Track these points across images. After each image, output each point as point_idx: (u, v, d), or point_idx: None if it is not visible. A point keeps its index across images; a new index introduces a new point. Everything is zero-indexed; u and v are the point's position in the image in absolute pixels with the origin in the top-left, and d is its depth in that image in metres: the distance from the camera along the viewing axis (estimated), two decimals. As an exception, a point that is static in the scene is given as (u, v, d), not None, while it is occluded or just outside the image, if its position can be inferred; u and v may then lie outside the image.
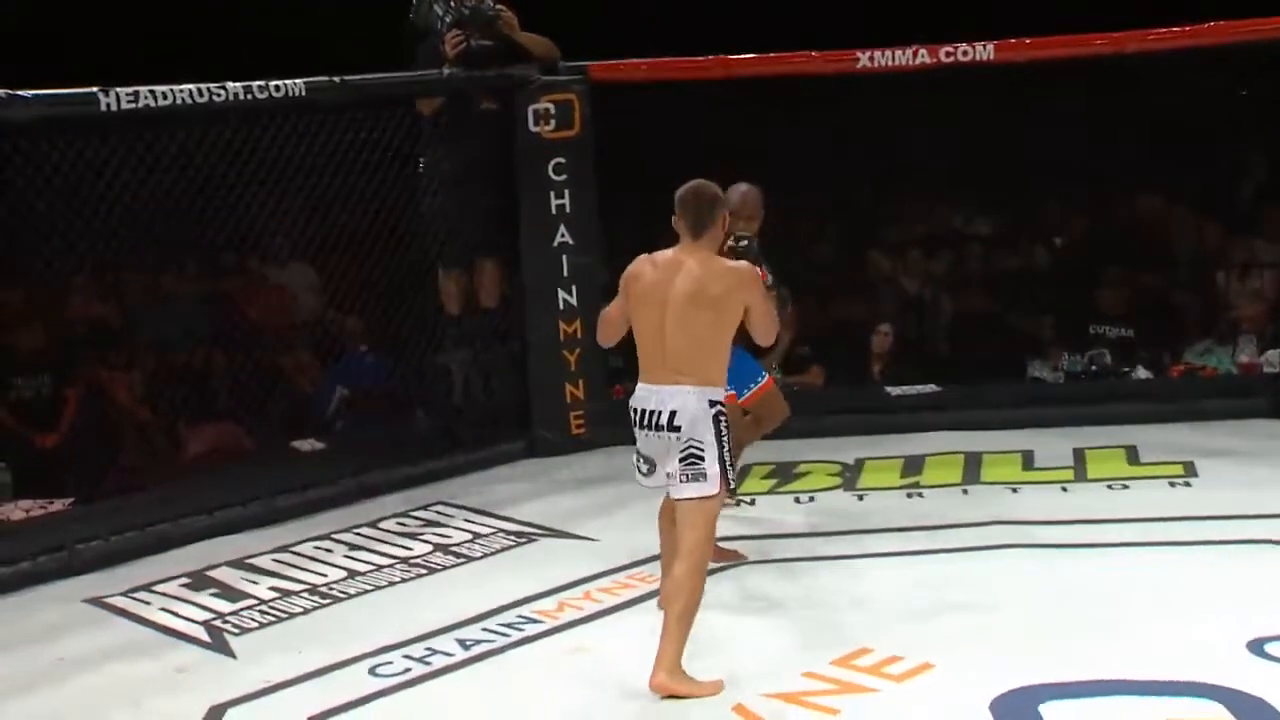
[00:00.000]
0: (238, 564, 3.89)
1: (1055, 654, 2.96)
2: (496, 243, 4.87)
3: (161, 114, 3.97)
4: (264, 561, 3.91)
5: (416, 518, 4.26)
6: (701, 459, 2.91)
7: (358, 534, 4.12)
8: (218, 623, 3.48)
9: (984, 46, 4.72)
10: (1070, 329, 5.63)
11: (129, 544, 3.99)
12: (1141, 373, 5.34)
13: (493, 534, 4.06)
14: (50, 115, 3.82)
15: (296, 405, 5.12)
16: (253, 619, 3.50)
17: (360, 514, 4.30)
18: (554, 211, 4.83)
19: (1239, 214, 6.01)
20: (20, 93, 3.73)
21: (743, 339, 3.14)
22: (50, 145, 4.06)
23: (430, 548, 3.97)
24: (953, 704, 2.77)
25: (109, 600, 3.66)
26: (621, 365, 5.01)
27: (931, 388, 5.10)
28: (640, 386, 3.00)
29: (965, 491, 4.23)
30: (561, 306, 4.86)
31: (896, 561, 3.65)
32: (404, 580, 3.73)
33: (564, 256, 4.86)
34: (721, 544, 3.62)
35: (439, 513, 4.30)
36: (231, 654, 3.30)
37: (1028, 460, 4.51)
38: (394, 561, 3.86)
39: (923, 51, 4.74)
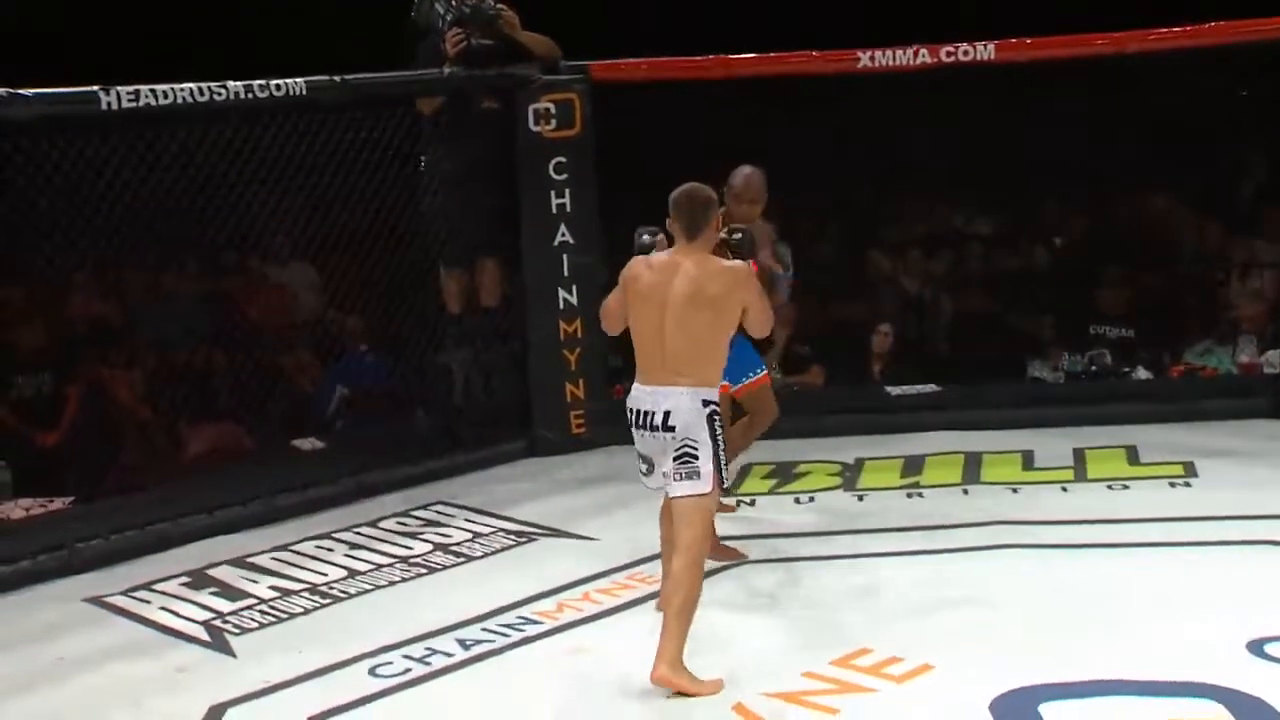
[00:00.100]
0: (238, 563, 3.89)
1: (1055, 654, 2.96)
2: (497, 242, 4.87)
3: (162, 113, 3.97)
4: (264, 561, 3.91)
5: (417, 517, 4.26)
6: (696, 458, 2.95)
7: (358, 533, 4.12)
8: (218, 622, 3.48)
9: (984, 46, 4.72)
10: (1070, 329, 5.63)
11: (129, 543, 3.99)
12: (1142, 373, 5.34)
13: (493, 534, 4.06)
14: (51, 114, 3.82)
15: (297, 404, 5.12)
16: (253, 618, 3.50)
17: (360, 513, 4.29)
18: (554, 211, 4.83)
19: (1239, 214, 6.01)
20: (21, 91, 3.73)
21: (742, 329, 3.17)
22: (51, 144, 4.05)
23: (430, 547, 3.97)
24: (952, 704, 2.77)
25: (109, 599, 3.66)
26: (621, 365, 5.00)
27: (932, 388, 5.10)
28: (636, 387, 3.04)
29: (965, 491, 4.23)
30: (562, 306, 4.86)
31: (896, 561, 3.65)
32: (404, 580, 3.73)
33: (565, 256, 4.86)
34: (725, 543, 3.63)
35: (439, 512, 4.30)
36: (231, 653, 3.30)
37: (1028, 460, 4.51)
38: (394, 561, 3.87)
39: (923, 51, 4.74)
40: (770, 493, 4.32)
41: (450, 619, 3.36)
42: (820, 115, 5.02)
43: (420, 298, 4.87)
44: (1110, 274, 5.72)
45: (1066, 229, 6.22)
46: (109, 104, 3.84)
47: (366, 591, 3.65)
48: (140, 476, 4.58)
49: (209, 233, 4.94)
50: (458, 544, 3.99)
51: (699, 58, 4.91)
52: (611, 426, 4.80)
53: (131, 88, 3.87)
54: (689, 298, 2.97)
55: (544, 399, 4.90)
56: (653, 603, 3.33)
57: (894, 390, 5.13)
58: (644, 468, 3.05)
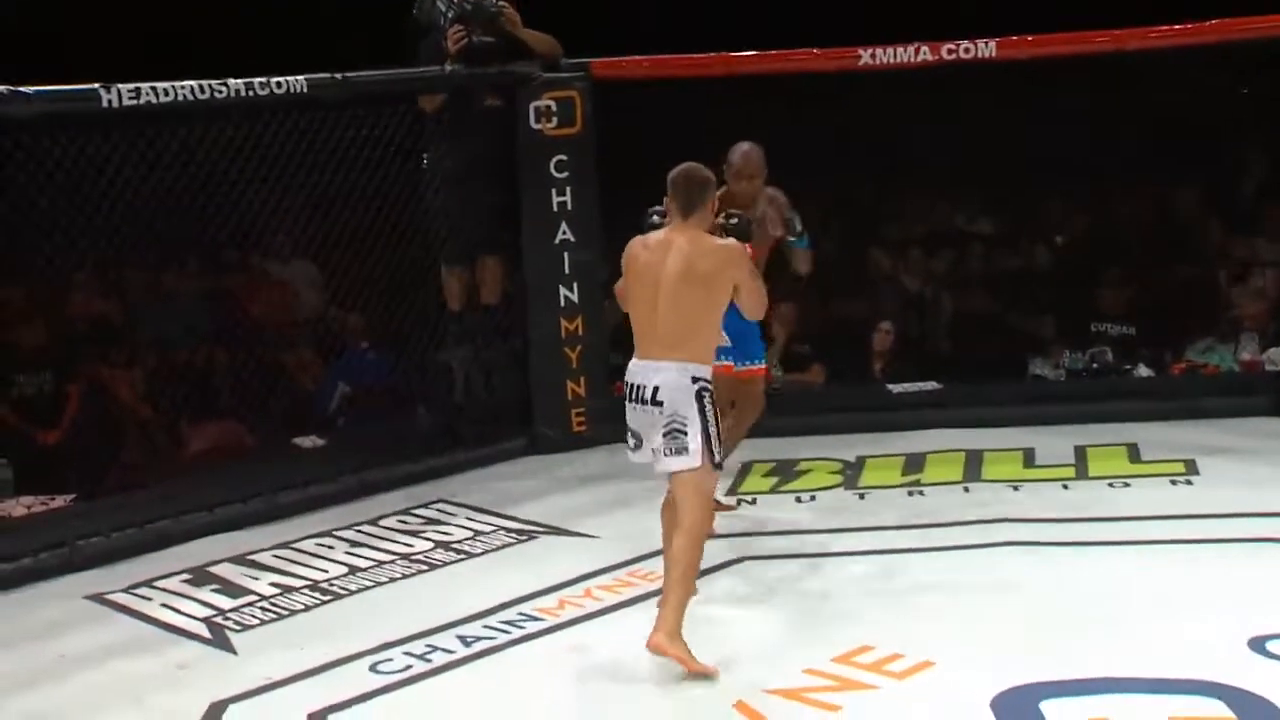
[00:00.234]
0: (239, 560, 3.89)
1: (1056, 652, 2.96)
2: (498, 239, 4.86)
3: (163, 110, 3.96)
4: (265, 558, 3.91)
5: (418, 515, 4.26)
6: (684, 433, 3.00)
7: (359, 531, 4.12)
8: (219, 619, 3.48)
9: (986, 44, 4.71)
10: (1071, 327, 5.62)
11: (130, 540, 3.98)
12: (1143, 370, 5.34)
13: (494, 531, 4.06)
14: (52, 111, 3.82)
15: (298, 402, 5.12)
16: (254, 615, 3.50)
17: (361, 511, 4.29)
18: (555, 209, 4.83)
19: (1240, 212, 6.00)
20: (21, 89, 3.72)
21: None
22: (52, 142, 4.05)
23: (431, 545, 3.97)
24: (954, 701, 2.77)
25: (110, 597, 3.66)
26: (622, 362, 5.00)
27: (933, 385, 5.10)
28: (633, 361, 3.12)
29: (966, 489, 4.22)
30: (563, 303, 4.86)
31: (897, 559, 3.64)
32: (405, 577, 3.73)
33: (565, 253, 4.85)
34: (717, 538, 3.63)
35: (440, 510, 4.30)
36: (233, 650, 3.30)
37: (1029, 458, 4.50)
38: (395, 558, 3.86)
39: (924, 49, 4.73)
40: (771, 491, 4.31)
41: (451, 616, 3.35)
42: (821, 113, 5.02)
43: (421, 295, 4.87)
44: (1111, 272, 5.72)
45: (1069, 226, 6.21)
46: (110, 101, 3.83)
47: (367, 589, 3.65)
48: (141, 474, 4.58)
49: (210, 230, 4.94)
50: (459, 541, 3.99)
51: (700, 55, 4.90)
52: (613, 424, 4.75)
53: (132, 85, 3.87)
54: (681, 274, 3.03)
55: (545, 396, 4.90)
56: (655, 600, 3.32)
57: (895, 388, 5.13)
58: (632, 442, 3.11)
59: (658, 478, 3.28)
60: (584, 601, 3.43)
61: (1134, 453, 4.48)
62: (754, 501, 4.21)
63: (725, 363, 3.86)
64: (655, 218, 3.26)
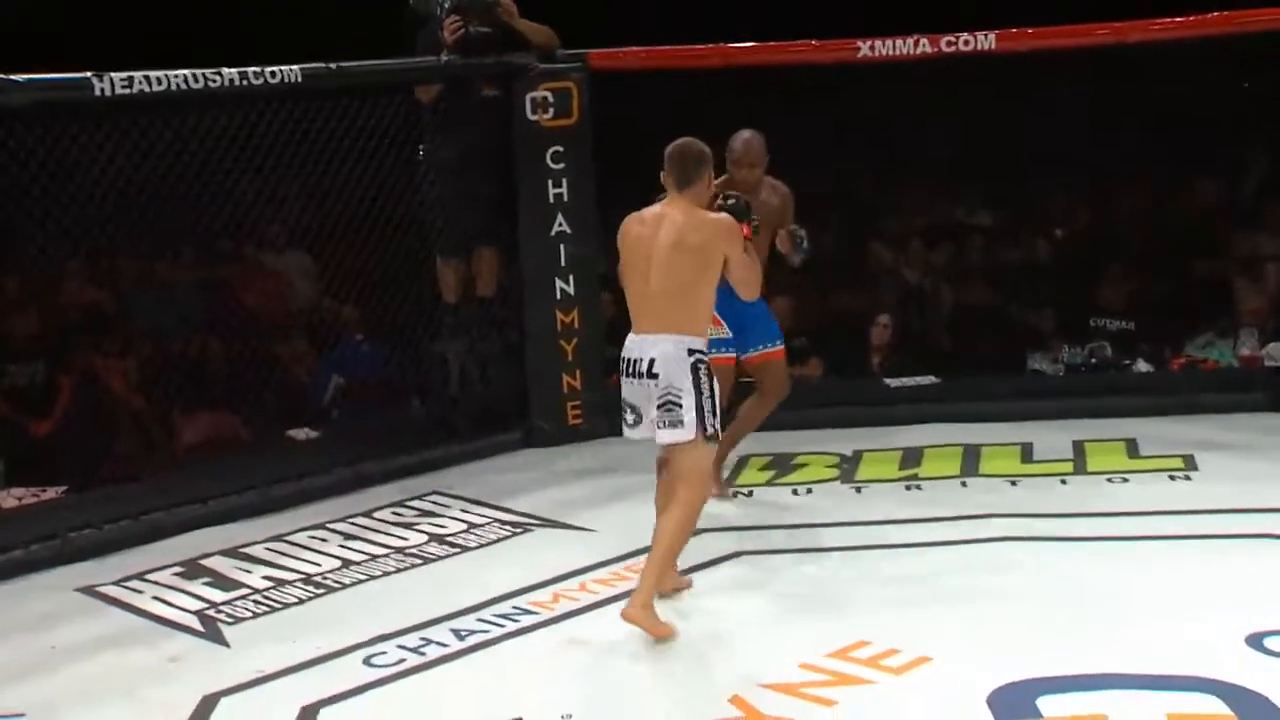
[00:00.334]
0: (231, 553, 3.87)
1: (1053, 647, 2.95)
2: (494, 231, 4.84)
3: (156, 100, 3.94)
4: (258, 551, 3.89)
5: (412, 507, 4.24)
6: (679, 405, 3.05)
7: (352, 523, 4.10)
8: (211, 612, 3.46)
9: (985, 36, 4.69)
10: (1071, 321, 5.60)
11: (122, 532, 3.96)
12: (1142, 366, 5.32)
13: (488, 524, 4.04)
14: (44, 100, 3.79)
15: (292, 394, 5.10)
16: (246, 608, 3.48)
17: (355, 503, 4.27)
18: (552, 200, 4.80)
19: (1242, 207, 5.98)
20: (13, 77, 3.69)
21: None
22: (45, 130, 4.02)
23: (425, 538, 3.95)
24: (950, 696, 2.76)
25: (102, 589, 3.64)
26: (618, 355, 4.98)
27: (931, 379, 5.08)
28: (629, 337, 3.16)
29: (964, 484, 4.21)
30: (559, 296, 4.84)
31: (894, 554, 3.63)
32: (399, 570, 3.71)
33: (562, 246, 4.83)
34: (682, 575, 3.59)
35: (434, 503, 4.28)
36: (225, 643, 3.28)
37: (1027, 453, 4.49)
38: (389, 551, 3.85)
39: (924, 41, 4.71)
40: (768, 484, 4.30)
41: (445, 609, 3.34)
42: (820, 105, 5.00)
43: (416, 287, 4.84)
44: (1111, 267, 5.70)
45: (1071, 220, 6.19)
46: (102, 90, 3.81)
47: (361, 582, 3.64)
48: (134, 466, 4.56)
49: (204, 220, 4.91)
50: (453, 535, 3.97)
51: (698, 47, 4.87)
52: (608, 417, 4.76)
53: (125, 74, 3.84)
54: (673, 245, 3.08)
55: (541, 389, 4.88)
56: (649, 594, 3.31)
57: (893, 382, 5.11)
58: (630, 417, 3.16)
59: (654, 469, 3.27)
60: (579, 595, 3.41)
61: (1133, 448, 4.47)
62: (750, 494, 4.20)
63: (726, 354, 3.88)
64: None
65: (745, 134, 3.89)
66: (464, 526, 4.04)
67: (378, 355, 5.22)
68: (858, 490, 4.21)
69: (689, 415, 3.05)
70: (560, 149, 4.78)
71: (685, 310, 3.09)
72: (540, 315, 4.85)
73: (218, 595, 3.57)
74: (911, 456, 4.50)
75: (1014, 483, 4.19)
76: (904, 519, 3.89)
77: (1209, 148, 5.66)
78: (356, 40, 5.94)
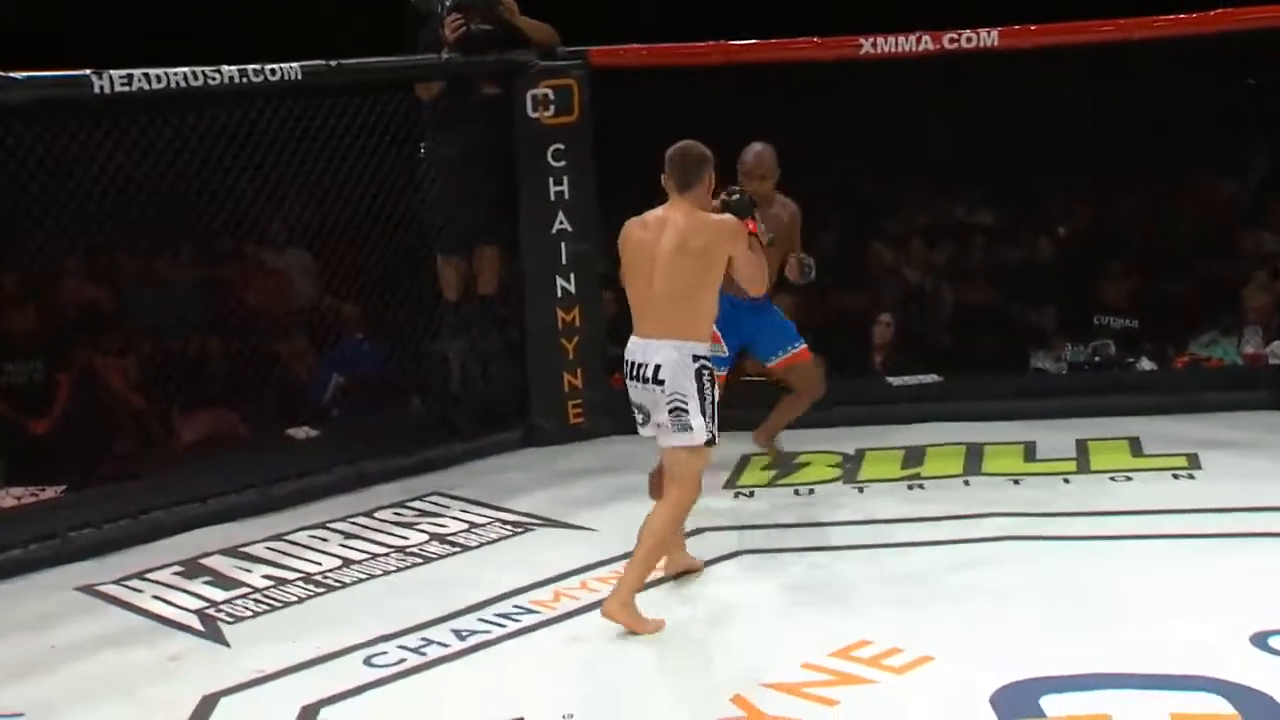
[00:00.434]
0: (231, 552, 3.86)
1: (1056, 647, 2.94)
2: (495, 229, 4.82)
3: (156, 97, 3.92)
4: (258, 550, 3.88)
5: (412, 507, 4.23)
6: (686, 410, 3.09)
7: (353, 523, 4.09)
8: (211, 611, 3.45)
9: (988, 33, 4.67)
10: (1074, 320, 5.59)
11: (122, 532, 3.95)
12: (1145, 364, 5.31)
13: (489, 524, 4.03)
14: (43, 98, 3.78)
15: (292, 392, 5.08)
16: (246, 607, 3.47)
17: (356, 503, 4.26)
18: (553, 198, 4.79)
19: (1244, 204, 5.97)
20: (12, 74, 3.68)
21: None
22: (44, 128, 4.01)
23: (426, 537, 3.94)
24: (953, 696, 2.75)
25: (101, 588, 3.63)
26: (620, 354, 4.96)
27: (933, 378, 5.07)
28: (632, 339, 3.18)
29: (966, 483, 4.20)
30: (560, 294, 4.82)
31: (896, 553, 3.62)
32: (399, 570, 3.70)
33: (563, 243, 4.81)
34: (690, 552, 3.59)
35: (435, 502, 4.27)
36: (225, 642, 3.27)
37: (1029, 452, 4.47)
38: (389, 551, 3.83)
39: (926, 38, 4.69)
40: (770, 484, 4.28)
41: (446, 609, 3.33)
42: (822, 103, 4.98)
43: (417, 285, 4.83)
44: (1114, 265, 5.69)
45: (1073, 218, 6.18)
46: (101, 88, 3.80)
47: (361, 581, 3.62)
48: (133, 465, 4.54)
49: (204, 218, 4.90)
50: (454, 534, 3.96)
51: (699, 44, 4.86)
52: (610, 416, 4.77)
53: (124, 72, 3.83)
54: (676, 248, 3.09)
55: (542, 388, 4.86)
56: (651, 591, 3.30)
57: (895, 381, 5.10)
58: (640, 418, 3.20)
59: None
60: (580, 594, 3.40)
61: (1136, 446, 4.46)
62: (752, 494, 4.18)
63: (718, 372, 3.91)
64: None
65: (757, 146, 3.95)
66: (465, 526, 4.02)
67: (378, 353, 5.21)
68: (860, 489, 4.20)
69: (696, 419, 3.09)
70: (561, 146, 4.76)
71: (689, 313, 3.10)
72: (541, 313, 4.83)
73: (218, 594, 3.56)
74: (914, 455, 4.48)
75: (1017, 482, 4.18)
76: (906, 518, 3.87)
77: (1211, 145, 5.65)
78: (357, 37, 5.94)
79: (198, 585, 3.63)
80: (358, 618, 3.32)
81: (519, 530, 3.97)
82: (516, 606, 3.34)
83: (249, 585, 3.61)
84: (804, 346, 4.09)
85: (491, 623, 3.26)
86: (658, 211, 3.19)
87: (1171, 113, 5.41)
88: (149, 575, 3.71)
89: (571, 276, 4.82)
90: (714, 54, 4.85)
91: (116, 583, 3.66)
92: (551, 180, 4.78)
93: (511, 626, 3.23)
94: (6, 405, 4.62)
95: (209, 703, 2.91)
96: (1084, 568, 3.43)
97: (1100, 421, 4.69)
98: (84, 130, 4.08)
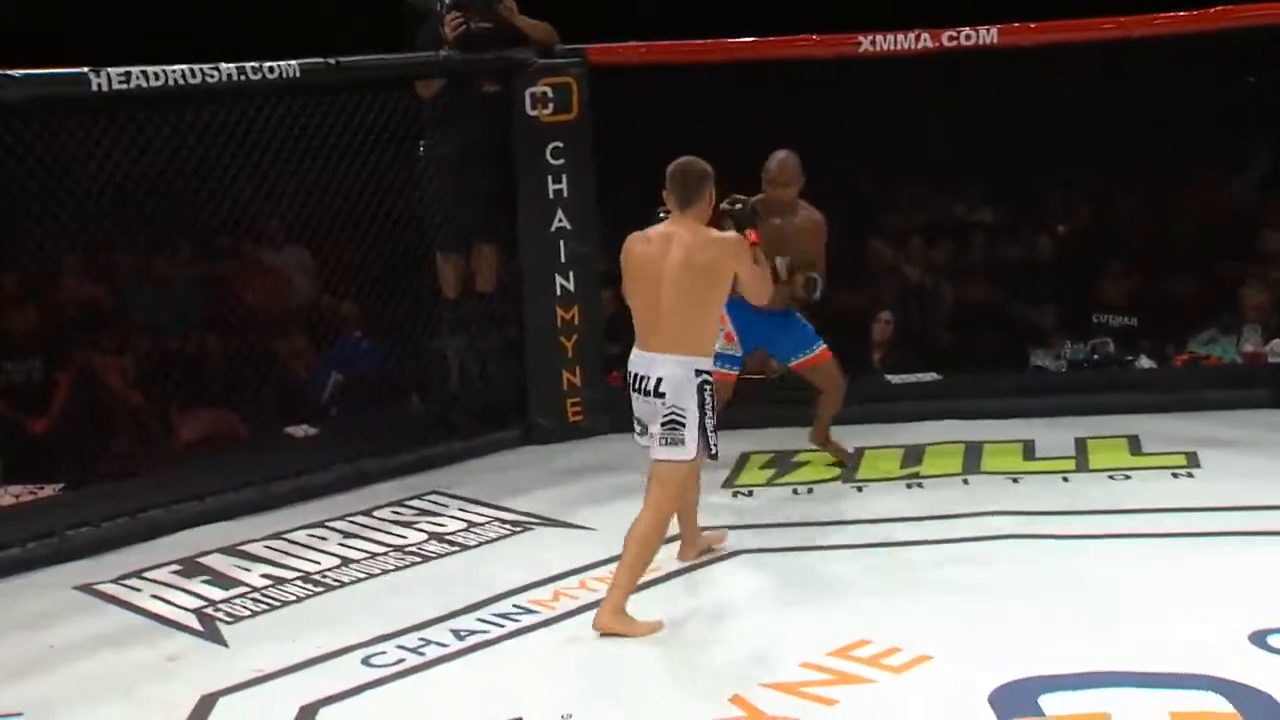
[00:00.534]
0: (230, 551, 3.85)
1: (1055, 646, 2.93)
2: (494, 227, 4.82)
3: (154, 95, 3.92)
4: (257, 549, 3.87)
5: (411, 505, 4.23)
6: (681, 425, 3.11)
7: (352, 521, 4.09)
8: (210, 610, 3.45)
9: (987, 31, 4.67)
10: (1073, 317, 5.58)
11: (120, 530, 3.95)
12: (1144, 362, 5.30)
13: (488, 522, 4.03)
14: (41, 95, 3.77)
15: (291, 390, 5.08)
16: (245, 607, 3.46)
17: (355, 501, 4.26)
18: (552, 196, 4.78)
19: (1242, 202, 5.96)
20: (10, 72, 3.67)
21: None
22: (42, 126, 4.00)
23: (425, 536, 3.93)
24: (951, 695, 2.74)
25: (100, 587, 3.63)
26: (618, 352, 4.96)
27: (932, 376, 5.06)
28: (634, 351, 3.20)
29: (966, 481, 4.19)
30: (559, 292, 4.82)
31: (896, 552, 3.61)
32: (398, 569, 3.69)
33: (561, 241, 4.81)
34: (708, 531, 3.60)
35: (434, 501, 4.26)
36: (223, 642, 3.27)
37: (1029, 450, 4.47)
38: (388, 550, 3.83)
39: (925, 36, 4.69)
40: (769, 483, 4.28)
41: (445, 609, 3.32)
42: (820, 100, 4.97)
43: (416, 283, 4.82)
44: (1113, 263, 5.68)
45: (1073, 216, 6.17)
46: (99, 85, 3.79)
47: (360, 580, 3.62)
48: (132, 463, 4.54)
49: (202, 216, 4.89)
50: (453, 533, 3.95)
51: (698, 41, 4.85)
52: (608, 414, 4.77)
53: (122, 70, 3.82)
54: (683, 265, 3.11)
55: (540, 386, 4.86)
56: (650, 591, 3.30)
57: (894, 379, 5.10)
58: (638, 428, 3.23)
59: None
60: (579, 593, 3.39)
61: (1135, 445, 4.45)
62: (751, 493, 4.18)
63: (729, 371, 4.04)
64: (662, 214, 3.29)
65: (780, 154, 4.01)
66: (464, 525, 4.02)
67: (377, 352, 5.20)
68: (859, 488, 4.20)
69: (690, 434, 3.12)
70: (560, 144, 4.76)
71: (694, 328, 3.13)
72: (540, 311, 4.83)
73: (216, 593, 3.55)
74: (913, 454, 4.48)
75: (1016, 480, 4.18)
76: (906, 517, 3.87)
77: (1211, 143, 5.64)
78: (357, 35, 5.93)
79: (196, 584, 3.62)
80: (356, 617, 3.32)
81: (518, 529, 3.96)
82: (515, 606, 3.34)
83: (248, 584, 3.60)
84: (824, 348, 4.17)
85: (490, 622, 3.25)
86: (661, 227, 3.21)
87: (1172, 110, 5.40)
88: (147, 574, 3.70)
89: (570, 274, 4.82)
90: (713, 52, 4.84)
91: (115, 582, 3.66)
92: (550, 178, 4.77)
93: (510, 626, 3.23)
94: (5, 404, 4.62)
95: (207, 702, 2.91)
96: (1083, 566, 3.43)
97: (1099, 420, 4.69)
98: (82, 128, 4.07)
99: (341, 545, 3.89)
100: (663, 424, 3.12)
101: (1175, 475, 4.12)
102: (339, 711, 2.87)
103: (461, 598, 3.38)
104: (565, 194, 4.78)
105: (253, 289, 5.42)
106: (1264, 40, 4.69)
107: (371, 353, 5.24)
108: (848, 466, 4.34)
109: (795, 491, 4.20)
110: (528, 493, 4.27)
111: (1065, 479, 4.16)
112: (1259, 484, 3.95)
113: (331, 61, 4.25)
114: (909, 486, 4.19)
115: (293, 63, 4.13)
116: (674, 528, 3.38)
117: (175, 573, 3.71)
